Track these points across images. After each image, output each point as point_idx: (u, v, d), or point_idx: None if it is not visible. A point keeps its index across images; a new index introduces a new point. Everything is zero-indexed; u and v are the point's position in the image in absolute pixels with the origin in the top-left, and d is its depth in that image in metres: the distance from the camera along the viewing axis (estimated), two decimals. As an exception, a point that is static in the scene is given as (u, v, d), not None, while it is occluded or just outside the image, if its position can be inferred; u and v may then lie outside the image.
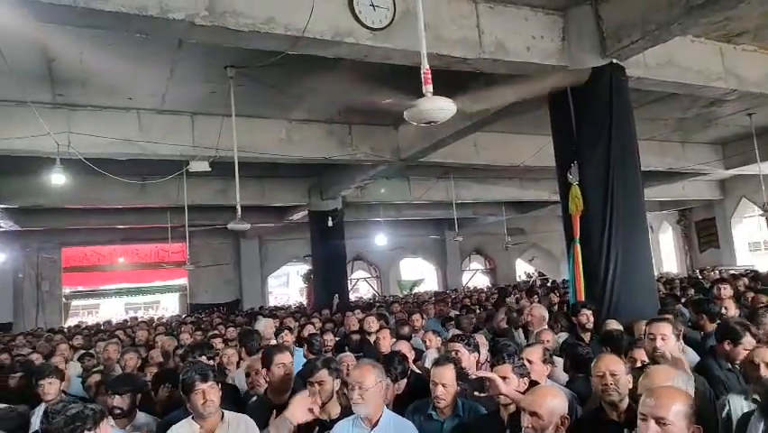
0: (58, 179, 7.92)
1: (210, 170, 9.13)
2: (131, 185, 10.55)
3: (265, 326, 5.92)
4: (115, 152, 8.34)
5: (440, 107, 3.03)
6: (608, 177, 5.86)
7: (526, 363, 3.41)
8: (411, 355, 4.28)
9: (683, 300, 7.19)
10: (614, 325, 4.82)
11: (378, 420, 2.83)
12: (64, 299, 18.78)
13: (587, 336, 5.08)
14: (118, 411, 3.30)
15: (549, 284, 16.24)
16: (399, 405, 3.37)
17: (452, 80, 6.23)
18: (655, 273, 9.24)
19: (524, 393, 2.79)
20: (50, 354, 6.58)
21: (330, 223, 13.30)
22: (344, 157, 9.97)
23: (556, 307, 8.29)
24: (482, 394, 3.03)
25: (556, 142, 6.50)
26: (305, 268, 19.80)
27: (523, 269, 26.15)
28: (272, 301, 20.80)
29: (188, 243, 13.54)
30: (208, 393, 2.78)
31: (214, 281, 19.45)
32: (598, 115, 5.96)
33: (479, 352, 4.13)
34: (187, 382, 2.80)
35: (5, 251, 16.20)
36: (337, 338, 6.59)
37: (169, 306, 22.42)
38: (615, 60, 5.96)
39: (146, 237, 17.91)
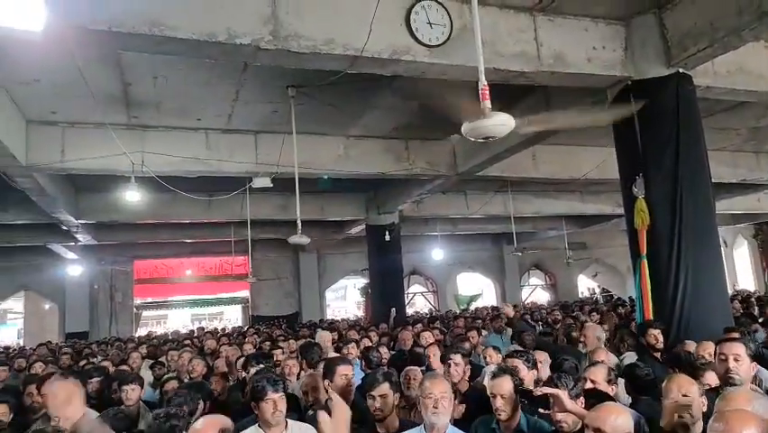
0: (132, 196, 8.40)
1: (271, 186, 9.44)
2: (198, 201, 11.05)
3: (324, 338, 6.02)
4: (185, 169, 8.77)
5: (498, 123, 3.03)
6: (675, 189, 5.63)
7: (590, 383, 3.32)
8: (466, 371, 4.24)
9: (761, 320, 6.75)
10: (690, 346, 4.60)
11: (444, 433, 2.88)
12: (135, 310, 19.77)
13: (658, 357, 4.87)
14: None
15: (613, 301, 15.63)
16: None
17: (509, 94, 6.21)
18: (730, 291, 8.74)
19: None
20: (122, 361, 6.94)
21: (387, 237, 13.39)
22: (401, 172, 10.06)
23: (615, 325, 7.97)
24: (546, 411, 2.98)
25: (620, 154, 6.31)
26: (362, 282, 19.99)
27: (585, 285, 25.31)
28: (329, 314, 21.06)
29: (251, 256, 13.98)
30: (278, 403, 2.88)
31: (274, 294, 19.94)
32: (665, 125, 5.75)
33: (536, 368, 4.06)
34: (259, 390, 2.89)
35: (83, 264, 17.21)
36: (392, 352, 6.60)
37: (232, 317, 23.13)
38: (681, 70, 5.76)
39: (211, 251, 18.61)
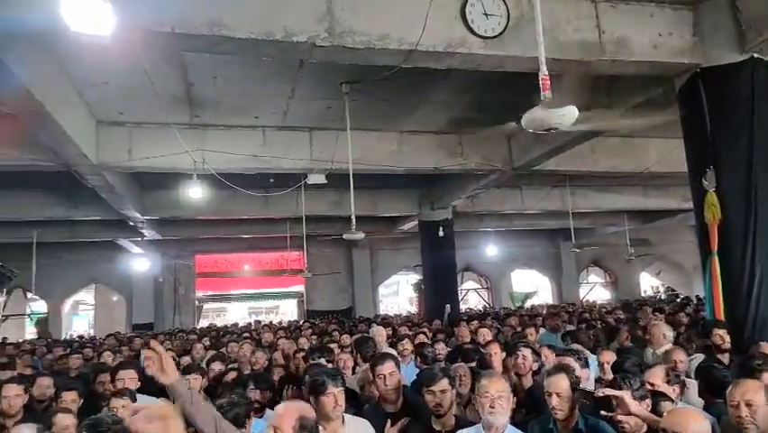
0: (195, 192, 8.70)
1: (326, 182, 9.55)
2: (255, 197, 11.34)
3: (378, 333, 6.04)
4: (243, 167, 9.01)
5: (561, 113, 2.93)
6: (750, 182, 5.30)
7: (648, 385, 3.19)
8: (533, 366, 4.15)
9: None
10: (765, 348, 4.32)
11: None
12: (197, 303, 20.54)
13: (724, 358, 4.61)
14: (257, 405, 3.53)
15: (679, 300, 14.93)
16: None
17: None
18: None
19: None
20: (185, 352, 7.20)
21: (440, 233, 13.30)
22: (455, 167, 9.95)
23: (685, 326, 7.59)
24: (610, 414, 2.87)
25: (688, 146, 6.00)
26: (414, 278, 19.97)
27: (648, 283, 24.31)
28: (382, 310, 21.18)
29: (305, 252, 14.21)
30: (339, 397, 2.89)
31: (328, 289, 20.22)
32: (738, 114, 5.41)
33: (588, 367, 3.93)
34: (319, 383, 2.90)
35: (149, 258, 18.01)
36: (448, 349, 6.54)
37: (287, 311, 23.65)
38: (756, 55, 5.39)
39: (268, 246, 19.07)
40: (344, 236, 8.18)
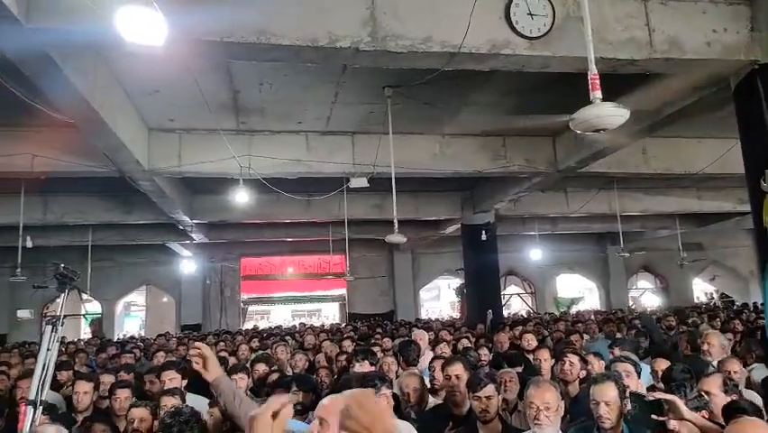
0: (241, 197, 8.91)
1: (368, 185, 9.61)
2: (298, 201, 11.50)
3: (419, 337, 6.01)
4: (287, 171, 9.17)
5: (610, 114, 2.85)
6: (813, 183, 5.02)
7: (704, 394, 3.06)
8: (581, 374, 4.05)
9: None
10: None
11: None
12: (242, 305, 20.99)
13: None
14: (299, 408, 3.57)
15: (735, 307, 14.27)
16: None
17: (618, 83, 5.86)
18: None
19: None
20: (232, 353, 7.36)
21: (483, 236, 13.15)
22: (497, 169, 9.84)
23: (741, 334, 7.26)
24: (661, 418, 2.77)
25: (745, 146, 5.74)
26: (456, 282, 19.81)
27: (701, 289, 23.35)
28: (423, 314, 21.09)
29: (347, 255, 14.30)
30: (389, 399, 2.92)
31: (370, 292, 20.30)
32: (801, 112, 5.14)
33: (639, 375, 3.81)
34: (372, 385, 2.95)
35: (197, 261, 18.54)
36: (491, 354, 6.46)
37: (329, 314, 23.86)
38: (820, 48, 5.12)
39: (310, 249, 19.31)
40: (387, 240, 8.20)
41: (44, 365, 1.89)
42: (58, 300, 2.70)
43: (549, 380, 3.09)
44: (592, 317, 13.75)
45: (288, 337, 9.82)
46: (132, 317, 23.10)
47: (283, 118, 8.56)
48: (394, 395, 3.65)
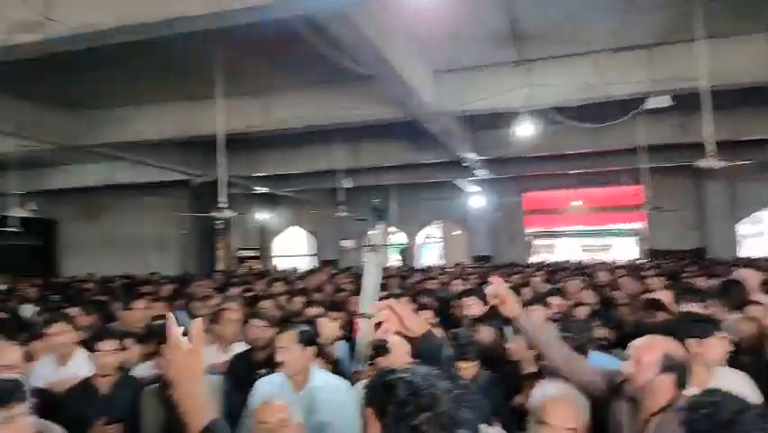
0: (524, 130, 8.74)
1: (671, 104, 8.33)
2: (585, 130, 10.73)
3: (748, 277, 5.04)
4: (572, 98, 8.58)
5: None
6: None
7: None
8: None
9: None
10: None
11: None
12: (526, 239, 21.14)
13: None
14: (605, 342, 3.41)
15: None
16: None
17: None
18: None
19: None
20: (523, 285, 7.42)
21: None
22: None
23: None
24: None
25: None
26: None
27: None
28: (743, 253, 17.82)
29: (645, 185, 12.89)
30: (722, 344, 2.60)
31: (672, 226, 18.02)
32: None
33: None
34: (702, 327, 2.64)
35: (482, 196, 19.23)
36: None
37: (622, 250, 22.21)
38: None
39: (598, 181, 18.08)
40: (697, 165, 7.02)
41: (371, 285, 2.20)
42: (372, 231, 3.06)
43: None
44: None
45: (576, 272, 9.50)
46: (429, 248, 25.45)
47: (566, 41, 7.93)
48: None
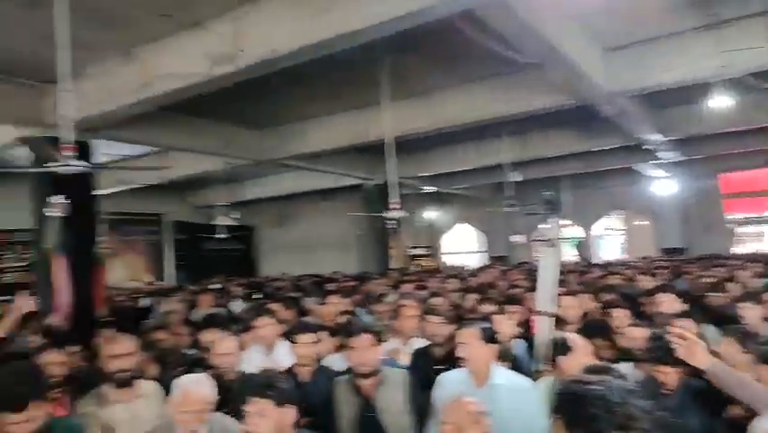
0: (717, 102, 7.70)
1: None
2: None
3: None
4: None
5: None
6: None
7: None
8: None
9: None
10: None
11: None
12: (727, 226, 18.46)
13: None
14: None
15: None
16: None
17: None
18: None
19: None
20: (729, 279, 6.52)
21: None
22: None
23: None
24: None
25: None
26: None
27: None
28: None
29: None
30: None
31: None
32: None
33: None
34: None
35: (671, 181, 17.19)
36: None
37: None
38: None
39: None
40: None
41: (549, 281, 2.13)
42: (543, 226, 2.96)
43: None
44: None
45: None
46: (607, 241, 23.66)
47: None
48: None
